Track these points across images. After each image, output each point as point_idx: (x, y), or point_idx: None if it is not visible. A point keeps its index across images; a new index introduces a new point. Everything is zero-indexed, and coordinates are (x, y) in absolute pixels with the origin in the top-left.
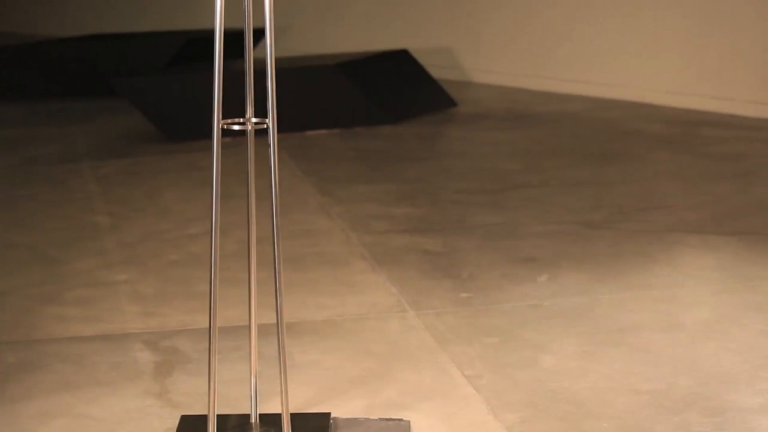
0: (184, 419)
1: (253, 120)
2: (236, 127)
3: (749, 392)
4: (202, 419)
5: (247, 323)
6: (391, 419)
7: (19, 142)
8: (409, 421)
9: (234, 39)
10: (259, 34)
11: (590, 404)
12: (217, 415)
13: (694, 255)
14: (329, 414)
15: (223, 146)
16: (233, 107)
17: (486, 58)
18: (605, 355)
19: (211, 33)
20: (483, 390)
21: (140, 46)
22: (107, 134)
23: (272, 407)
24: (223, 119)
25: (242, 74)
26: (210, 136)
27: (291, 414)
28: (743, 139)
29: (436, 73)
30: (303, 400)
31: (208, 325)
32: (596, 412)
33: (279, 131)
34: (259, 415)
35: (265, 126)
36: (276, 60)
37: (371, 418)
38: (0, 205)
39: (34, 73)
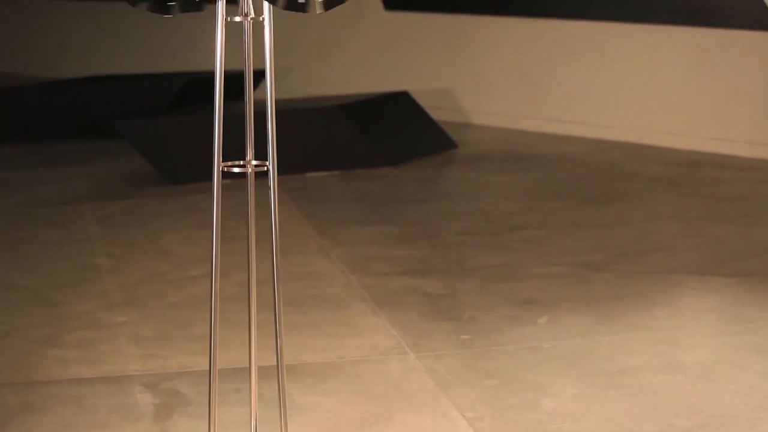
0: None
1: (254, 163)
2: (236, 170)
3: None
4: None
5: (248, 365)
6: None
7: (19, 184)
8: None
9: (234, 81)
10: (259, 75)
11: None
12: None
13: (695, 297)
14: None
15: (224, 188)
16: (234, 148)
17: (486, 99)
18: (605, 397)
19: (211, 75)
20: None
21: (140, 88)
22: (107, 176)
23: None
24: (223, 162)
25: (243, 116)
26: (210, 178)
27: None
28: (743, 180)
29: (436, 114)
30: None
31: (208, 368)
32: None
33: (279, 173)
34: None
35: (266, 168)
36: (276, 101)
37: None
38: (0, 247)
39: (34, 115)
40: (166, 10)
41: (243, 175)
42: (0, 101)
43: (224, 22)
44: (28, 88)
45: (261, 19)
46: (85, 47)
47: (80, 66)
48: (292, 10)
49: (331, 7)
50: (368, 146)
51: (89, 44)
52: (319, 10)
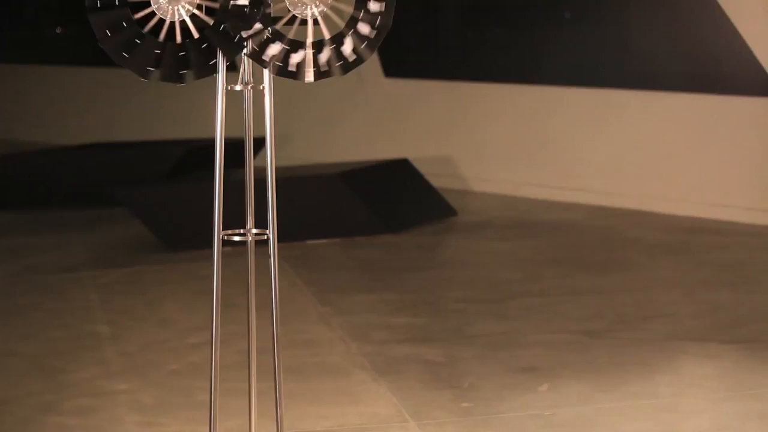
0: None
1: (254, 231)
2: (237, 238)
3: None
4: None
5: None
6: None
7: (19, 251)
8: None
9: (235, 148)
10: (259, 143)
11: None
12: None
13: (695, 363)
14: None
15: (224, 255)
16: (234, 215)
17: (486, 166)
18: None
19: (211, 142)
20: None
21: (140, 156)
22: (107, 243)
23: None
24: (223, 230)
25: (243, 183)
26: (210, 246)
27: None
28: (743, 246)
29: (436, 182)
30: None
31: None
32: None
33: (279, 240)
34: None
35: (266, 237)
36: (276, 169)
37: None
38: (0, 314)
39: (35, 181)
40: (180, 78)
41: (243, 243)
42: (0, 167)
43: (225, 90)
44: (29, 154)
45: (261, 87)
46: (85, 114)
47: (80, 133)
48: (283, 76)
49: (321, 78)
50: (368, 214)
51: (89, 111)
52: (308, 78)
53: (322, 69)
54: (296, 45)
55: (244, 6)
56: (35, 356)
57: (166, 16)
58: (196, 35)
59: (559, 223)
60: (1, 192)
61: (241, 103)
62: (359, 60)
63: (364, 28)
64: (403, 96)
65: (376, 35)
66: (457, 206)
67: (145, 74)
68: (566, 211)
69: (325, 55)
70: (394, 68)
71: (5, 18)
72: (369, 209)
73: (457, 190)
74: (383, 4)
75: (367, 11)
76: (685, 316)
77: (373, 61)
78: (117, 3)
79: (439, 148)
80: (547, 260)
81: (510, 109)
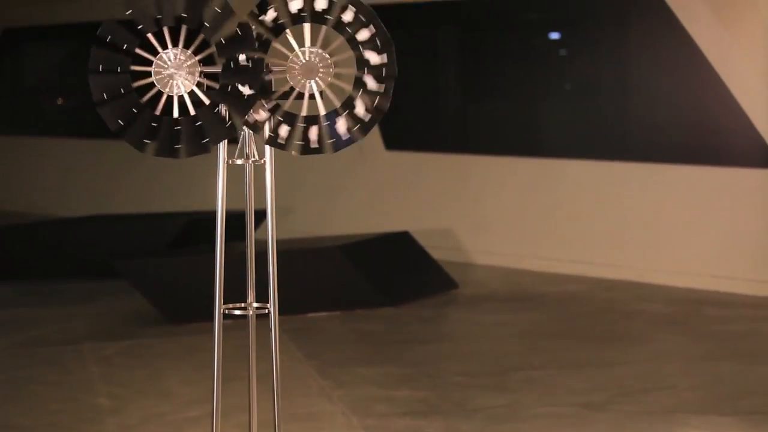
0: None
1: (255, 305)
2: (238, 312)
3: None
4: None
5: None
6: None
7: (20, 323)
8: None
9: (236, 220)
10: (260, 215)
11: None
12: None
13: None
14: None
15: (225, 328)
16: (235, 288)
17: (487, 239)
18: None
19: (212, 215)
20: None
21: (141, 228)
22: (108, 316)
23: None
24: (224, 303)
25: (244, 255)
26: (211, 319)
27: None
28: (744, 317)
29: (437, 254)
30: None
31: None
32: None
33: (279, 313)
34: None
35: (267, 311)
36: (277, 241)
37: None
38: (1, 387)
39: (35, 253)
40: (174, 153)
41: (244, 316)
42: (1, 239)
43: (226, 164)
44: (30, 226)
45: (262, 161)
46: (86, 186)
47: (81, 205)
48: (306, 154)
49: (339, 149)
50: (369, 286)
51: (90, 183)
52: (329, 151)
53: (312, 146)
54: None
55: (244, 93)
56: (36, 429)
57: (165, 89)
58: (192, 112)
59: (560, 295)
60: (2, 263)
61: (242, 175)
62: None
63: (359, 110)
64: (403, 169)
65: (370, 119)
66: (459, 279)
67: (140, 146)
68: (567, 284)
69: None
70: (394, 141)
71: (5, 90)
72: (369, 282)
73: (458, 263)
74: (382, 85)
75: (366, 91)
76: (686, 389)
77: (374, 134)
78: (119, 69)
79: (440, 221)
80: (548, 333)
81: (511, 182)
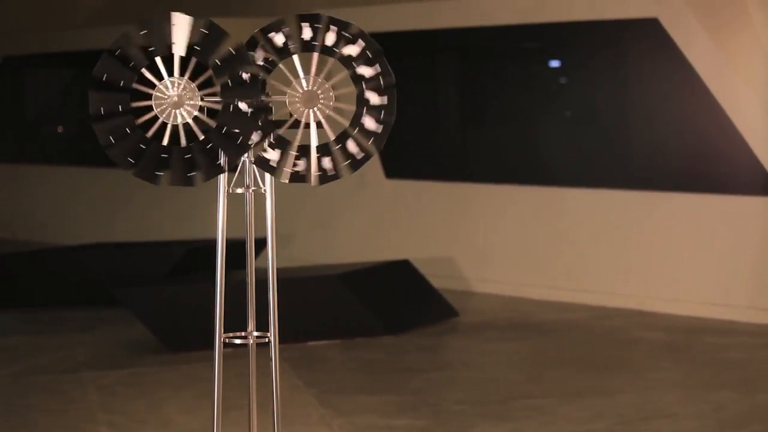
0: None
1: (255, 334)
2: (238, 341)
3: None
4: None
5: None
6: None
7: (20, 351)
8: None
9: (236, 248)
10: (261, 243)
11: None
12: None
13: None
14: None
15: (225, 357)
16: (235, 316)
17: (488, 267)
18: None
19: (212, 243)
20: None
21: (141, 256)
22: (108, 344)
23: None
24: (224, 332)
25: (244, 283)
26: (211, 347)
27: None
28: (744, 345)
29: (437, 283)
30: None
31: None
32: None
33: (280, 342)
34: None
35: (267, 340)
36: (277, 269)
37: None
38: (1, 415)
39: (35, 281)
40: (189, 181)
41: (244, 345)
42: (1, 267)
43: (226, 193)
44: (30, 254)
45: (263, 190)
46: (86, 214)
47: (81, 233)
48: (294, 182)
49: (326, 182)
50: (369, 315)
51: (90, 211)
52: (314, 183)
53: (329, 173)
54: (301, 149)
55: (245, 112)
56: None
57: (169, 120)
58: (201, 137)
59: (560, 323)
60: (2, 291)
61: (242, 203)
62: (365, 159)
63: (352, 147)
64: (404, 197)
65: (363, 157)
66: (459, 307)
67: (154, 179)
68: (567, 312)
69: (328, 159)
70: (395, 169)
71: (5, 118)
72: (370, 310)
73: (458, 291)
74: (380, 126)
75: (362, 129)
76: (686, 417)
77: (374, 163)
78: (120, 110)
79: (441, 249)
80: (548, 361)
81: (511, 210)
